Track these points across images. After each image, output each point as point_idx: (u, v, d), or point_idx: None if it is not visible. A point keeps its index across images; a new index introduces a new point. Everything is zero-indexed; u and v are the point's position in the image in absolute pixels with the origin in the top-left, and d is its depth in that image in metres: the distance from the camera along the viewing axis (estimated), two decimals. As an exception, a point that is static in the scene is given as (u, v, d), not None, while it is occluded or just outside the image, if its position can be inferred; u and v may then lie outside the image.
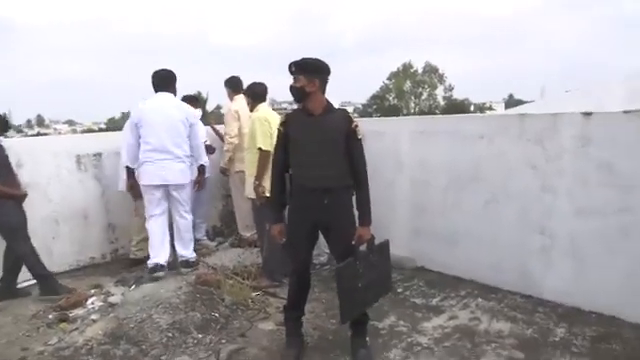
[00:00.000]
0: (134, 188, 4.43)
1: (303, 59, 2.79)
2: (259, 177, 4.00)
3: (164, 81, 4.39)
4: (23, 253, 3.96)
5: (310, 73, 2.75)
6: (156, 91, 4.37)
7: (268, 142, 3.94)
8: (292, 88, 2.81)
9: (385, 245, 3.01)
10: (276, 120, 4.10)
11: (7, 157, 3.96)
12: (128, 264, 4.74)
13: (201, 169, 4.57)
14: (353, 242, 2.79)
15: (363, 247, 2.86)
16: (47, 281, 4.02)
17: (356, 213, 2.87)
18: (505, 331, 3.21)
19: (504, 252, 3.82)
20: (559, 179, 3.51)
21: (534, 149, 3.60)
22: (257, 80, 4.51)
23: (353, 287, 2.75)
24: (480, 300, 3.69)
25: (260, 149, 3.98)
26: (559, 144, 3.48)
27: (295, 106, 3.04)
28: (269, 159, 3.80)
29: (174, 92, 4.45)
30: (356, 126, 2.81)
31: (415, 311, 3.57)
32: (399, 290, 3.96)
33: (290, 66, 2.79)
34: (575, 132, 3.40)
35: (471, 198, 4.00)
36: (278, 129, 2.94)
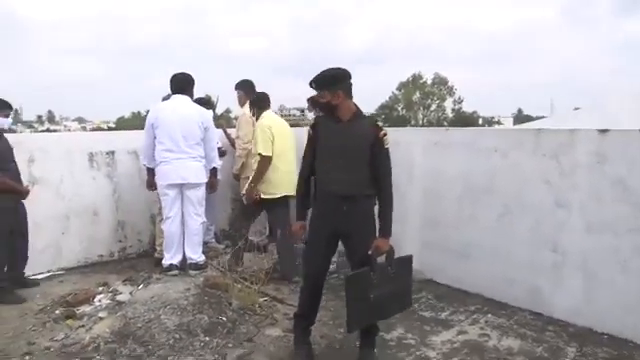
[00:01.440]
0: (152, 186, 4.53)
1: (321, 74, 2.78)
2: (255, 180, 4.22)
3: (181, 84, 4.48)
4: None
5: (331, 86, 2.74)
6: (173, 93, 4.44)
7: (269, 148, 4.17)
8: (320, 105, 2.83)
9: (408, 260, 2.96)
10: (280, 126, 4.34)
11: (12, 150, 3.98)
12: (152, 263, 4.74)
13: (213, 172, 4.60)
14: (369, 252, 2.76)
15: (382, 259, 2.82)
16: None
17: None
18: (515, 348, 3.17)
19: (515, 267, 3.78)
20: (573, 194, 3.48)
21: (549, 164, 3.58)
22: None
23: (363, 297, 2.71)
24: (489, 316, 3.65)
25: (260, 154, 4.18)
26: (574, 160, 3.46)
27: (311, 113, 3.07)
28: (268, 164, 4.17)
29: (191, 95, 4.53)
30: (384, 135, 2.76)
31: (423, 324, 3.54)
32: (407, 302, 3.93)
33: (311, 84, 2.80)
34: (591, 148, 3.38)
35: (484, 211, 3.98)
36: (308, 131, 2.97)
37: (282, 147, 4.31)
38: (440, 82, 55.53)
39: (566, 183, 3.51)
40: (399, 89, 56.03)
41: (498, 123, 58.73)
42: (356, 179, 2.76)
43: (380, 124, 2.84)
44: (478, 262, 4.02)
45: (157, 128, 4.30)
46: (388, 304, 2.86)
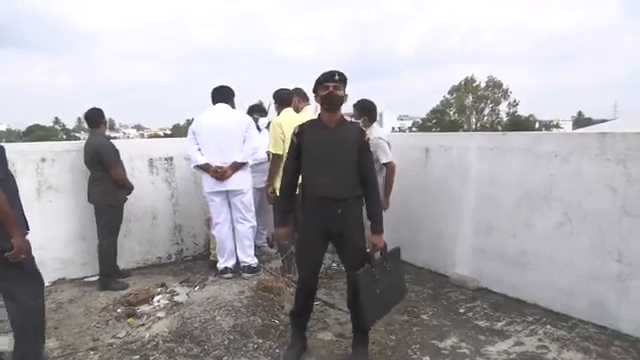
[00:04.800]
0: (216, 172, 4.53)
1: (339, 71, 2.90)
2: (270, 179, 4.31)
3: (222, 95, 4.55)
4: (105, 245, 4.37)
5: (345, 85, 2.93)
6: (214, 103, 4.51)
7: (280, 146, 4.22)
8: (335, 96, 2.87)
9: (397, 251, 3.14)
10: (292, 124, 4.20)
11: (118, 151, 4.44)
12: (208, 265, 4.87)
13: (235, 165, 4.38)
14: (368, 250, 2.90)
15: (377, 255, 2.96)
16: (107, 280, 4.41)
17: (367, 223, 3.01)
18: (577, 362, 3.03)
19: (576, 278, 3.61)
20: (641, 203, 3.29)
21: (615, 169, 3.41)
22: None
23: (372, 293, 2.85)
24: (548, 327, 3.51)
25: (271, 152, 4.29)
26: (644, 166, 3.27)
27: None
28: (280, 162, 4.13)
29: (232, 106, 4.57)
30: (368, 139, 2.96)
31: (478, 334, 3.44)
32: (461, 310, 3.84)
33: (334, 74, 2.87)
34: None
35: (542, 218, 3.83)
36: (291, 139, 3.03)
37: None
38: (494, 85, 53.82)
39: (634, 190, 3.31)
40: (451, 93, 54.79)
41: (556, 127, 56.34)
42: (347, 182, 2.88)
43: (363, 128, 3.06)
44: (535, 271, 3.88)
45: (199, 135, 4.37)
46: (389, 297, 3.02)
